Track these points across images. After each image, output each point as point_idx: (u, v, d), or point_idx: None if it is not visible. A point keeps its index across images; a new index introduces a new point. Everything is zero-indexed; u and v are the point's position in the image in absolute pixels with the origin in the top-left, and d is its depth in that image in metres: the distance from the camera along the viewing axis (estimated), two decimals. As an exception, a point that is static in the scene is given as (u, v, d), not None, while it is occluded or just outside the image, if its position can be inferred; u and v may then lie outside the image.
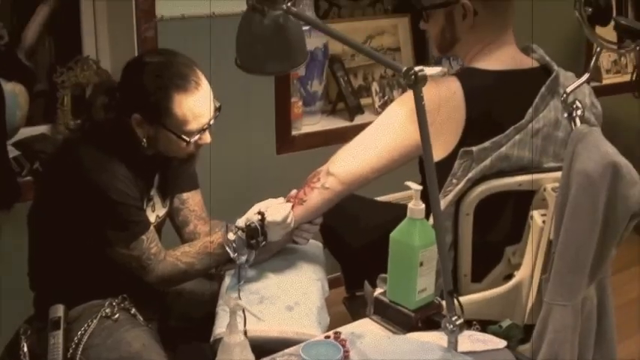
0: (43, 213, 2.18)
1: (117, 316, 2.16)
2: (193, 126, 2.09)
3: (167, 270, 2.15)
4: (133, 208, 2.10)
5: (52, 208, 2.14)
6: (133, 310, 2.20)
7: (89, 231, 2.09)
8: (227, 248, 2.09)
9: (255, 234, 2.07)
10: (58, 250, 2.16)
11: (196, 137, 2.11)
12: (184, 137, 2.09)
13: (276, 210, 2.11)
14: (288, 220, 2.12)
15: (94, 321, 2.13)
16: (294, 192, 2.23)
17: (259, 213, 2.09)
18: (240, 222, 2.10)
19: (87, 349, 2.10)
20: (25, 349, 2.14)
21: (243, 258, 2.07)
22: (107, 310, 2.16)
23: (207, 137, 2.16)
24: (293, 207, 2.17)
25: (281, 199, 2.20)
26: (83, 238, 2.10)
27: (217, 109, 2.17)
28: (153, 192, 2.27)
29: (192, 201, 2.42)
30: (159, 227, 2.31)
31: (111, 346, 2.10)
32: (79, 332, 2.12)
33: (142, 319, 2.20)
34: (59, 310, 2.11)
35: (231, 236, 2.08)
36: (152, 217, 2.25)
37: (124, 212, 2.08)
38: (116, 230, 2.08)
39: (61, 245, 2.15)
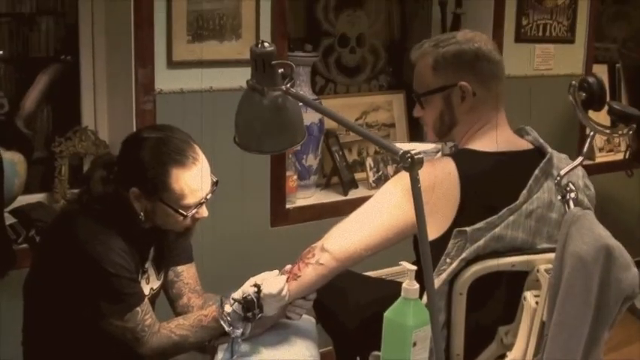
0: (39, 282, 2.18)
1: None
2: (190, 200, 2.11)
3: (161, 342, 2.15)
4: (128, 281, 2.11)
5: (47, 278, 2.14)
6: None
7: (84, 302, 2.09)
8: (222, 322, 2.09)
9: (251, 306, 2.07)
10: (52, 320, 2.16)
11: (193, 211, 2.13)
12: (181, 211, 2.11)
13: (271, 283, 2.11)
14: (284, 293, 2.12)
15: None
16: (288, 267, 2.23)
17: (255, 285, 2.10)
18: (236, 295, 2.10)
19: None
20: None
21: (239, 332, 2.07)
22: None
23: (204, 211, 2.19)
24: (287, 281, 2.18)
25: (275, 272, 2.20)
26: (78, 309, 2.10)
27: (214, 184, 2.19)
28: (147, 264, 2.28)
29: (186, 274, 2.43)
30: (153, 299, 2.31)
31: None
32: None
33: None
34: None
35: (227, 308, 2.08)
36: (146, 290, 2.25)
37: (118, 284, 2.08)
38: (111, 302, 2.08)
39: (55, 315, 2.15)
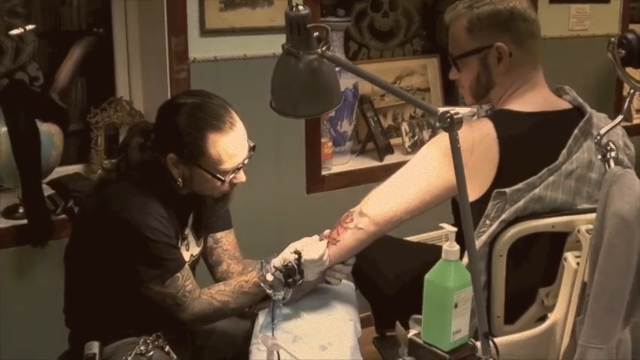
0: (79, 250, 2.21)
1: (151, 353, 2.16)
2: (228, 165, 2.12)
3: (202, 308, 2.16)
4: (167, 246, 2.12)
5: (87, 245, 2.16)
6: (167, 348, 2.20)
7: (125, 269, 2.11)
8: (263, 286, 2.09)
9: (292, 272, 2.08)
10: (93, 287, 2.18)
11: (231, 176, 2.14)
12: (219, 176, 2.12)
13: (312, 248, 2.11)
14: (324, 258, 2.13)
15: (129, 358, 2.13)
16: (327, 232, 2.23)
17: (296, 252, 2.10)
18: (277, 261, 2.10)
19: None
20: None
21: (280, 296, 2.08)
22: (142, 348, 2.16)
23: (241, 176, 2.19)
24: (327, 246, 2.18)
25: (316, 237, 2.20)
26: (119, 277, 2.12)
27: (252, 149, 2.19)
28: (187, 231, 2.29)
29: (225, 240, 2.44)
30: (193, 266, 2.32)
31: None
32: None
33: (175, 357, 2.20)
34: (94, 347, 2.11)
35: (269, 277, 2.08)
36: (186, 256, 2.27)
37: (157, 250, 2.10)
38: (150, 268, 2.10)
39: (96, 283, 2.17)
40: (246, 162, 2.17)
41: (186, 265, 2.18)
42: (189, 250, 2.30)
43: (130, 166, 2.16)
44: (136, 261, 2.10)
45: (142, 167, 2.15)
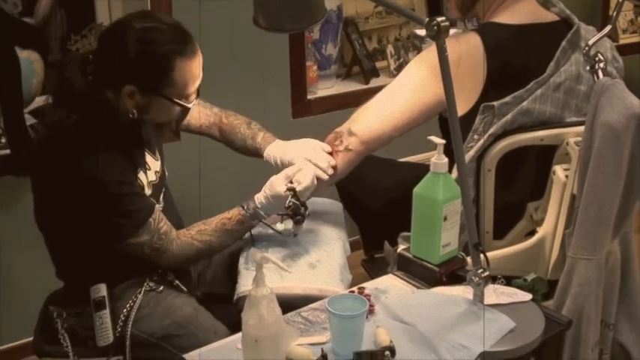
0: (49, 215, 2.07)
1: (161, 287, 2.11)
2: (192, 89, 1.99)
3: (183, 250, 2.05)
4: (132, 196, 1.98)
5: (56, 211, 2.02)
6: (176, 282, 2.16)
7: (98, 226, 1.97)
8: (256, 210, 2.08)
9: (297, 210, 2.05)
10: (77, 244, 2.05)
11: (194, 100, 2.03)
12: (184, 103, 1.99)
13: (302, 175, 2.07)
14: (315, 182, 2.09)
15: (139, 295, 2.06)
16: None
17: (289, 189, 2.04)
18: (263, 199, 2.07)
19: (137, 322, 2.03)
20: (65, 333, 2.05)
21: (281, 228, 2.12)
22: (150, 284, 2.10)
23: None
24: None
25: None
26: (95, 232, 1.99)
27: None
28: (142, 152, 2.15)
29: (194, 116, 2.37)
30: (162, 183, 2.21)
31: (162, 312, 2.05)
32: (125, 309, 2.04)
33: (185, 290, 2.16)
34: (102, 290, 2.01)
35: (279, 226, 2.12)
36: (151, 176, 2.13)
37: (125, 203, 1.96)
38: (122, 223, 1.96)
39: (78, 239, 2.04)
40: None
41: (157, 207, 2.04)
42: (152, 168, 2.16)
43: (71, 108, 1.96)
44: (106, 220, 1.97)
45: (85, 106, 1.96)
